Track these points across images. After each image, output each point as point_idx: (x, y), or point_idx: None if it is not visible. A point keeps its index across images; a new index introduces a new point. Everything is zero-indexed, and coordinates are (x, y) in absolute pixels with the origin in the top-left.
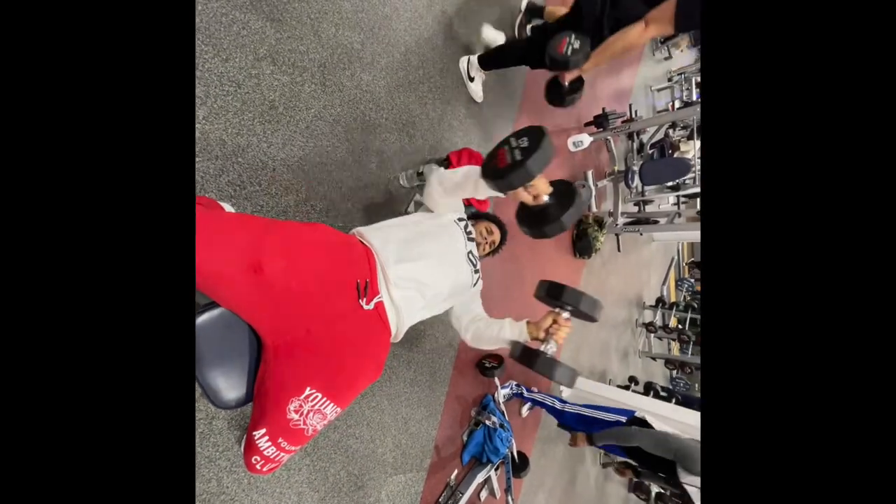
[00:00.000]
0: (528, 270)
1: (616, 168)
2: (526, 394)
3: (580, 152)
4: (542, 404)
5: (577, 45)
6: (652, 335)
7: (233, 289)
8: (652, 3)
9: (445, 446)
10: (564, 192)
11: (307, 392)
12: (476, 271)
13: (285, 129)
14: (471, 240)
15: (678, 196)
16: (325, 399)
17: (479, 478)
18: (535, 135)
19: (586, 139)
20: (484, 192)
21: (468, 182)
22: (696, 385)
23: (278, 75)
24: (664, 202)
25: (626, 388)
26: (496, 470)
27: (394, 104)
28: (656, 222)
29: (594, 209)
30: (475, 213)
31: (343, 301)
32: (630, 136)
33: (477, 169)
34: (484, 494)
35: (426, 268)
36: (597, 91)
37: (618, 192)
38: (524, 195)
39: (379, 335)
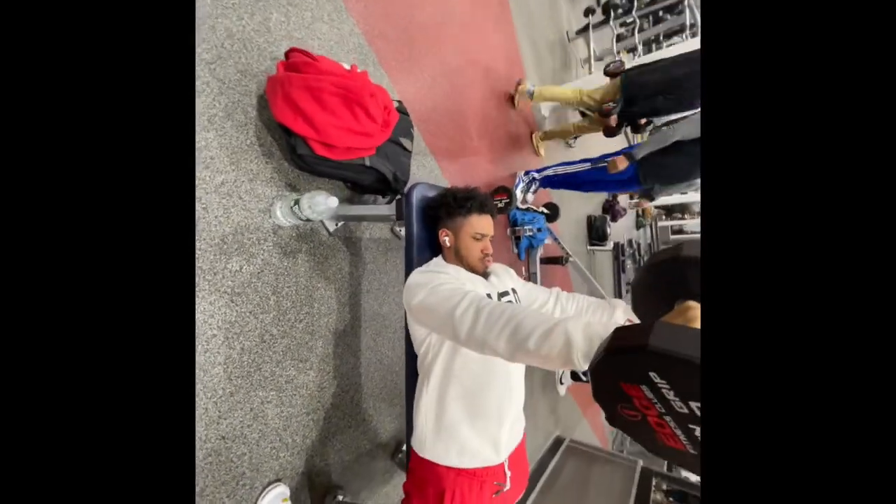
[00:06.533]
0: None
1: None
2: (537, 175)
3: None
4: (556, 177)
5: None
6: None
7: None
8: None
9: None
10: None
11: None
12: (518, 298)
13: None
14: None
15: None
16: None
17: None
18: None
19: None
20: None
21: (564, 364)
22: None
23: None
24: None
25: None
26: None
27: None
28: None
29: None
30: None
31: None
32: None
33: (583, 351)
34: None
35: (509, 391)
36: None
37: None
38: None
39: (524, 474)
